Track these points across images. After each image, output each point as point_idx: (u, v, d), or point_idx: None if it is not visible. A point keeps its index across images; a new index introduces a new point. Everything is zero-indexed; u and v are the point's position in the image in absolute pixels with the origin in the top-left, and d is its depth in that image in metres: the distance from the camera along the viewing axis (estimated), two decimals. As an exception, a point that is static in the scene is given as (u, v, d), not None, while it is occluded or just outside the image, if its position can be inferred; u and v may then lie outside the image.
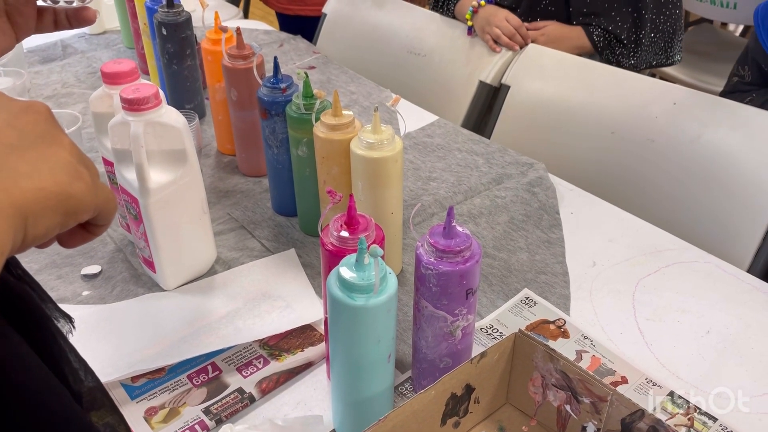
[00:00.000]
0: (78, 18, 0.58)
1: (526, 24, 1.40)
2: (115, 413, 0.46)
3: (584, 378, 0.60)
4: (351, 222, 0.62)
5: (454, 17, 1.53)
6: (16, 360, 0.36)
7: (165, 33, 1.11)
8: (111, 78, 0.83)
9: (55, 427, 0.37)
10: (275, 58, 0.89)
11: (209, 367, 0.72)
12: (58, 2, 0.54)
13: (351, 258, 0.56)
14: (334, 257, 0.61)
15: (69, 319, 0.49)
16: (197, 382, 0.70)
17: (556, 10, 1.42)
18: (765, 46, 1.20)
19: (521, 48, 1.39)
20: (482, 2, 1.42)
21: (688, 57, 2.22)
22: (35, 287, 0.45)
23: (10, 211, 0.31)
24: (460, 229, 0.61)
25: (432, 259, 0.60)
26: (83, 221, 0.37)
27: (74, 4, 0.55)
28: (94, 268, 0.86)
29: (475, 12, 1.43)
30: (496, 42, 1.40)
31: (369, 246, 0.55)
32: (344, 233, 0.61)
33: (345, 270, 0.55)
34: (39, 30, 0.58)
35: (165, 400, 0.68)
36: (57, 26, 0.59)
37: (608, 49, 1.35)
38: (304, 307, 0.80)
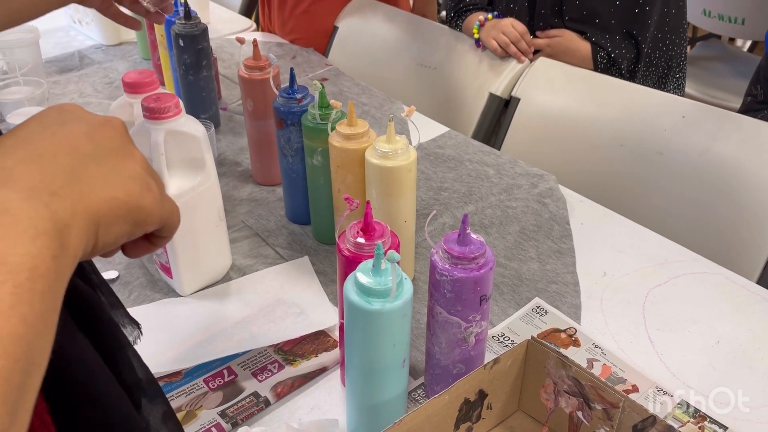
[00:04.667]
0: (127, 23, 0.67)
1: (539, 33, 1.42)
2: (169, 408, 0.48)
3: (596, 385, 0.60)
4: (367, 228, 0.63)
5: (462, 32, 1.55)
6: (82, 362, 0.37)
7: (182, 44, 1.14)
8: (132, 87, 0.85)
9: (115, 428, 0.39)
10: (291, 69, 0.91)
11: (225, 371, 0.73)
12: None
13: (368, 263, 0.58)
14: (351, 263, 0.62)
15: (137, 325, 0.52)
16: (213, 385, 0.71)
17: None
18: None
19: (527, 57, 1.41)
20: (489, 16, 1.44)
21: (696, 72, 2.23)
22: (107, 294, 0.47)
23: (85, 218, 0.33)
24: (474, 236, 0.62)
25: (447, 266, 0.61)
26: (148, 232, 0.39)
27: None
28: (111, 274, 0.87)
29: (482, 25, 1.45)
30: (502, 48, 1.41)
31: (386, 252, 0.56)
32: (360, 239, 0.63)
33: (362, 275, 0.57)
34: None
35: (182, 403, 0.69)
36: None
37: (606, 73, 1.37)
38: (317, 313, 0.81)
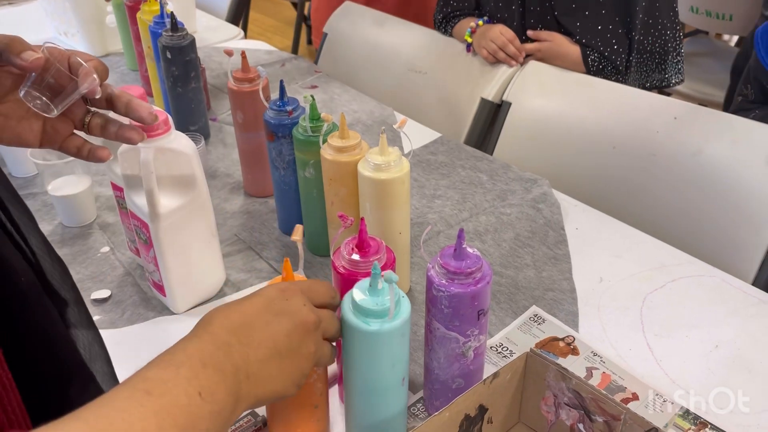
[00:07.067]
0: (93, 154, 0.65)
1: (529, 32, 1.41)
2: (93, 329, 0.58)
3: (597, 397, 0.60)
4: (362, 245, 0.62)
5: (452, 37, 1.54)
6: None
7: (169, 56, 1.12)
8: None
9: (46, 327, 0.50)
10: (281, 82, 0.90)
11: (221, 391, 0.72)
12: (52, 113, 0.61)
13: (364, 282, 0.57)
14: (346, 281, 0.61)
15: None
16: (210, 406, 0.70)
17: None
18: (766, 66, 1.22)
19: (517, 62, 1.40)
20: (480, 22, 1.44)
21: (684, 67, 2.23)
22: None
23: (247, 401, 0.46)
24: (470, 250, 0.61)
25: (443, 281, 0.60)
26: None
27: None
28: (103, 293, 0.86)
29: (473, 32, 1.44)
30: (492, 55, 1.41)
31: (382, 270, 0.55)
32: (356, 256, 0.62)
33: (359, 294, 0.56)
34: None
35: (179, 425, 0.68)
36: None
37: (601, 74, 1.37)
38: (314, 328, 0.80)
